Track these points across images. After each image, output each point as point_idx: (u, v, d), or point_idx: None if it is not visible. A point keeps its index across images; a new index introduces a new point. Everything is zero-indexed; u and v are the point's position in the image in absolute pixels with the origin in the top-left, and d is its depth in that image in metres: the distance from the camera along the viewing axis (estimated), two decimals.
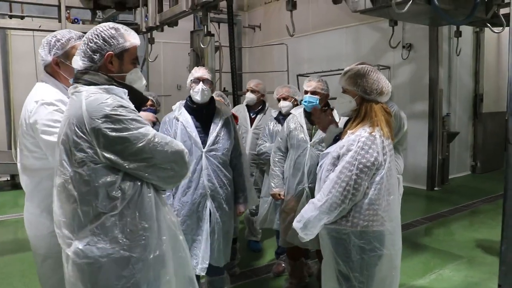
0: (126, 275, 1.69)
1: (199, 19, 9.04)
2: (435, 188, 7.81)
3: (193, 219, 3.01)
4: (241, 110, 4.65)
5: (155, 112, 4.03)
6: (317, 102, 3.37)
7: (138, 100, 1.88)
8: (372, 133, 2.25)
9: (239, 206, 3.19)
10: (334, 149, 2.33)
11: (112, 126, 1.63)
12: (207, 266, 2.98)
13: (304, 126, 3.44)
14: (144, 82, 1.95)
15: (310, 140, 3.39)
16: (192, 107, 3.08)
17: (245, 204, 3.23)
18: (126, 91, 1.78)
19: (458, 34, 6.13)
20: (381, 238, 2.27)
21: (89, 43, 1.79)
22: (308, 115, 3.45)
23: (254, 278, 4.11)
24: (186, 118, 3.06)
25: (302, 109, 3.52)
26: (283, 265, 4.06)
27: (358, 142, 2.23)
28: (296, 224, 2.37)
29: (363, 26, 8.69)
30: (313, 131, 3.42)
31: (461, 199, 6.99)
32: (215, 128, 3.04)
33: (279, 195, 3.54)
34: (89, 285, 1.67)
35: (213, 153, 3.01)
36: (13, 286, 3.90)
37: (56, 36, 2.28)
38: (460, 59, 8.39)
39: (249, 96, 4.51)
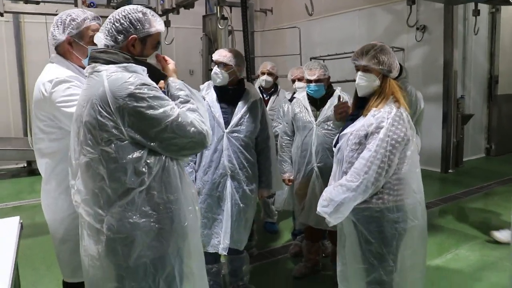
0: (156, 245, 1.75)
1: (211, 4, 9.04)
2: (450, 171, 7.80)
3: (213, 199, 3.07)
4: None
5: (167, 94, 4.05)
6: (323, 88, 3.42)
7: (157, 76, 1.89)
8: (398, 109, 2.27)
9: (261, 190, 3.21)
10: (358, 128, 2.31)
11: (137, 104, 1.65)
12: (228, 245, 3.04)
13: (309, 108, 3.50)
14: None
15: (316, 120, 3.44)
16: (218, 88, 3.12)
17: (269, 189, 3.23)
18: (145, 68, 1.79)
19: (476, 13, 6.02)
20: (413, 210, 2.31)
21: (115, 23, 1.80)
22: (312, 98, 3.51)
23: (271, 258, 4.17)
24: (212, 98, 3.11)
25: (305, 92, 3.57)
26: (300, 246, 4.11)
27: (388, 119, 2.23)
28: (323, 209, 2.31)
29: (376, 8, 8.61)
30: (317, 112, 3.46)
31: (475, 181, 6.98)
32: (240, 110, 3.06)
33: (289, 180, 3.61)
34: (123, 257, 1.73)
35: (236, 134, 3.04)
36: (36, 267, 4.01)
37: (71, 15, 2.25)
38: (476, 40, 8.30)
39: (267, 79, 4.59)
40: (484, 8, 8.35)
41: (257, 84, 4.80)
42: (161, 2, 6.00)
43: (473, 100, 8.58)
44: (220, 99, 3.10)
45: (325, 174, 3.26)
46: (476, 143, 8.87)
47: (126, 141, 1.69)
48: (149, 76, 1.79)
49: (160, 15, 6.23)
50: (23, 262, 3.98)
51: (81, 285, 2.10)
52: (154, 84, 1.75)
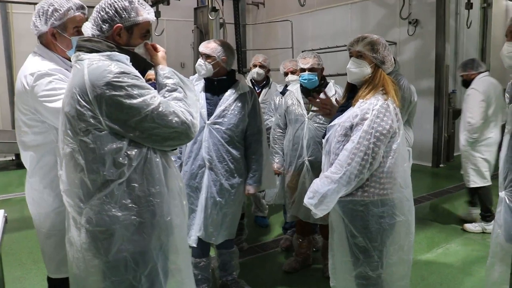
0: (136, 239, 1.71)
1: None
2: (441, 165, 7.82)
3: (192, 189, 3.03)
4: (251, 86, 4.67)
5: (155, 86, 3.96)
6: (316, 78, 3.38)
7: (142, 65, 1.83)
8: (385, 101, 2.24)
9: (248, 187, 3.10)
10: (344, 120, 2.28)
11: (115, 93, 1.59)
12: (196, 238, 3.01)
13: (301, 101, 3.45)
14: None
15: (308, 114, 3.40)
16: (206, 79, 3.08)
17: (256, 185, 3.10)
18: (128, 57, 1.74)
19: (469, 6, 6.01)
20: (399, 205, 2.27)
21: (101, 12, 1.75)
22: (305, 90, 3.46)
23: (262, 252, 4.15)
24: (198, 89, 3.06)
25: (299, 85, 3.53)
26: (291, 240, 4.08)
27: (373, 110, 2.20)
28: (309, 201, 2.29)
29: (369, 2, 8.59)
30: (310, 105, 3.40)
31: None
32: (225, 102, 2.99)
33: (278, 172, 3.57)
34: (102, 250, 1.69)
35: (217, 126, 2.97)
36: (22, 262, 3.95)
37: (53, 5, 2.14)
38: (467, 35, 8.30)
39: (258, 71, 4.55)
40: (475, 3, 8.35)
41: (249, 76, 4.76)
42: None
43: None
44: (206, 90, 3.06)
45: (315, 168, 3.23)
46: None
47: (105, 131, 1.64)
48: (134, 65, 1.74)
49: (150, 6, 6.14)
50: (10, 256, 3.95)
51: (65, 281, 2.05)
52: (135, 72, 1.69)
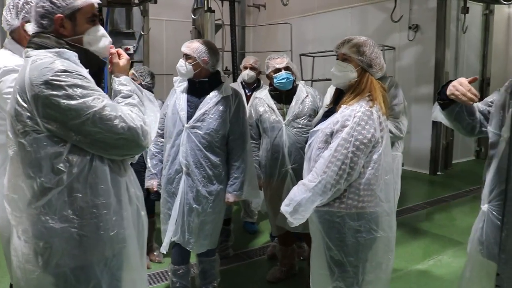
0: (77, 254, 1.57)
1: None
2: (438, 173, 7.67)
3: (169, 194, 2.93)
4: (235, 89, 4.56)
5: (148, 88, 3.82)
6: (292, 78, 3.26)
7: (95, 63, 1.71)
8: (370, 108, 2.11)
9: (227, 195, 2.94)
10: (326, 126, 2.16)
11: (52, 92, 1.46)
12: (167, 244, 2.92)
13: (274, 106, 3.31)
14: (108, 41, 1.76)
15: (284, 120, 3.26)
16: (188, 81, 2.96)
17: (236, 194, 2.94)
18: (77, 54, 1.61)
19: (465, 10, 5.93)
20: (378, 220, 2.14)
21: (37, 8, 1.62)
22: (275, 95, 3.33)
23: (247, 260, 4.03)
24: (180, 91, 2.95)
25: (267, 90, 3.40)
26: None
27: (354, 117, 2.08)
28: (285, 208, 2.18)
29: (369, 6, 8.48)
30: (284, 109, 3.28)
31: (464, 184, 6.84)
32: (205, 105, 2.86)
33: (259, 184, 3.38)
34: (41, 263, 1.56)
35: (195, 130, 2.83)
36: None
37: None
38: (468, 41, 8.19)
39: (249, 74, 4.43)
40: (477, 10, 8.25)
41: (239, 79, 4.65)
42: None
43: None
44: (189, 92, 2.94)
45: (300, 176, 3.08)
46: (466, 146, 8.75)
47: (43, 134, 1.51)
48: (85, 63, 1.62)
49: (137, 4, 6.05)
50: None
51: None
52: (81, 71, 1.56)
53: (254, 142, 3.44)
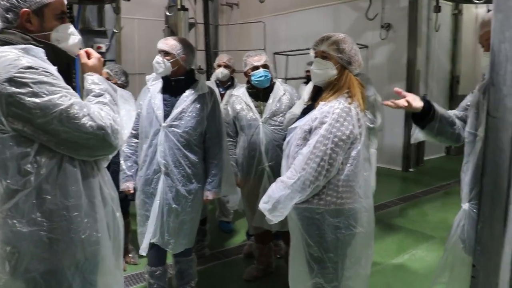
0: (47, 257, 1.51)
1: None
2: (410, 169, 7.82)
3: (147, 195, 2.86)
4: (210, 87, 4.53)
5: (123, 87, 3.74)
6: (270, 76, 3.26)
7: (64, 60, 1.64)
8: (348, 105, 2.10)
9: (206, 192, 2.92)
10: (304, 122, 2.14)
11: (16, 90, 1.39)
12: (148, 246, 2.85)
13: (251, 104, 3.29)
14: (77, 39, 1.70)
15: (261, 117, 3.25)
16: (164, 79, 2.90)
17: (215, 191, 2.93)
18: (44, 50, 1.54)
19: (437, 9, 6.06)
20: (357, 216, 2.14)
21: (2, 1, 1.55)
22: (252, 93, 3.32)
23: (224, 259, 4.00)
24: (155, 89, 2.89)
25: (244, 88, 3.39)
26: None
27: (333, 114, 2.06)
28: (264, 206, 2.14)
29: (341, 5, 8.56)
30: (262, 107, 3.28)
31: (435, 180, 7.00)
32: (182, 103, 2.81)
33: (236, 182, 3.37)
34: (9, 268, 1.50)
35: (173, 129, 2.79)
36: None
37: None
38: (439, 40, 8.35)
39: (224, 72, 4.41)
40: (447, 9, 8.42)
41: (213, 77, 4.62)
42: None
43: (435, 99, 8.54)
44: (164, 90, 2.88)
45: (277, 173, 3.06)
46: (437, 143, 8.91)
47: (9, 134, 1.44)
48: (54, 59, 1.56)
49: (110, 2, 5.93)
50: None
51: None
52: (47, 68, 1.49)
53: (231, 140, 3.41)
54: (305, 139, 2.12)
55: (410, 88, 7.62)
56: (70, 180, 1.53)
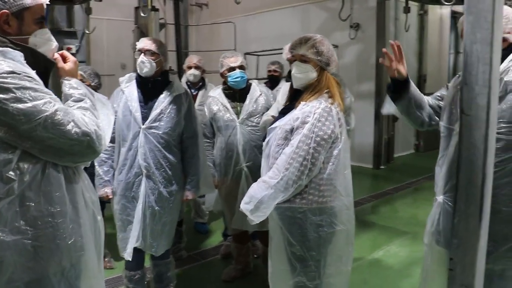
0: (32, 266, 1.47)
1: None
2: (381, 167, 7.97)
3: (128, 199, 2.84)
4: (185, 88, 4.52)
5: (96, 89, 3.70)
6: (246, 77, 3.29)
7: (42, 64, 1.59)
8: (329, 105, 2.14)
9: (186, 192, 2.96)
10: (285, 122, 2.16)
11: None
12: (131, 251, 2.83)
13: (228, 105, 3.31)
14: (54, 45, 1.66)
15: (238, 118, 3.27)
16: (138, 80, 2.88)
17: (195, 191, 2.97)
18: (23, 54, 1.50)
19: (407, 10, 6.22)
20: (338, 214, 2.18)
21: None
22: (229, 94, 3.34)
23: (201, 261, 3.99)
24: (131, 91, 2.86)
25: (220, 89, 3.40)
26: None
27: (314, 113, 2.09)
28: (245, 206, 2.13)
29: (311, 5, 8.65)
30: (238, 108, 3.30)
31: (405, 177, 7.16)
32: (160, 104, 2.81)
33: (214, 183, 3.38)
34: None
35: (153, 130, 2.78)
36: None
37: None
38: (406, 40, 8.52)
39: (194, 73, 4.40)
40: (413, 10, 8.61)
41: (184, 78, 4.60)
42: None
43: None
44: (140, 92, 2.86)
45: (254, 173, 3.09)
46: (406, 140, 9.13)
47: None
48: (31, 63, 1.51)
49: (80, 2, 5.83)
50: None
51: None
52: (29, 73, 1.45)
53: (208, 141, 3.41)
54: (286, 138, 2.14)
55: (379, 87, 7.77)
56: (54, 186, 1.50)
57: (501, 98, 1.86)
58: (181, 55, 7.39)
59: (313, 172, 2.09)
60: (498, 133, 1.78)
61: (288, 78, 2.81)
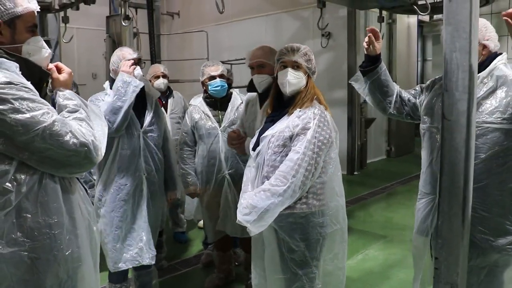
0: (29, 278, 1.45)
1: (115, 4, 8.61)
2: (355, 172, 8.10)
3: (130, 205, 2.83)
4: None
5: None
6: (226, 86, 3.33)
7: (37, 75, 1.60)
8: (324, 111, 2.23)
9: (170, 193, 3.07)
10: (281, 129, 2.19)
11: None
12: (155, 253, 2.91)
13: (210, 113, 3.35)
14: (48, 52, 1.66)
15: (220, 126, 3.31)
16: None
17: (176, 191, 3.12)
18: (18, 65, 1.50)
19: (381, 19, 6.38)
20: (336, 214, 2.26)
21: None
22: (210, 102, 3.38)
23: (182, 270, 3.97)
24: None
25: (201, 98, 3.44)
26: (212, 255, 3.95)
27: (314, 119, 2.16)
28: (245, 218, 2.09)
29: (283, 14, 8.75)
30: (220, 116, 3.35)
31: (379, 182, 7.30)
32: (150, 109, 2.93)
33: (195, 193, 3.42)
34: None
35: (150, 134, 2.89)
36: None
37: None
38: None
39: (164, 82, 4.40)
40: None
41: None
42: None
43: None
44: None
45: (236, 181, 3.14)
46: (378, 146, 9.31)
47: None
48: (26, 73, 1.51)
49: (57, 10, 5.75)
50: None
51: None
52: (26, 83, 1.45)
53: (190, 149, 3.43)
54: (285, 145, 2.17)
55: (351, 94, 7.93)
56: (51, 197, 1.49)
57: (493, 92, 2.08)
58: (155, 63, 7.36)
59: (314, 177, 2.14)
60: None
61: (250, 88, 2.81)
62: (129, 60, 2.76)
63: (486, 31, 2.12)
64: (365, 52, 2.43)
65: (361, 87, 2.54)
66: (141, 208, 2.84)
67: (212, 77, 3.27)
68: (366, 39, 2.38)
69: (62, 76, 1.69)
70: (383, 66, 2.44)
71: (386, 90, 2.45)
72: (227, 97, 3.37)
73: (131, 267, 2.86)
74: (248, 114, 2.90)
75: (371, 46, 2.38)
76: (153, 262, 2.90)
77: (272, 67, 2.53)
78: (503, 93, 2.05)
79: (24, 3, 1.56)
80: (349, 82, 2.69)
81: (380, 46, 2.41)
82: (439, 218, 1.76)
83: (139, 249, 2.82)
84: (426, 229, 2.28)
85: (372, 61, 2.42)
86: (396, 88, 2.49)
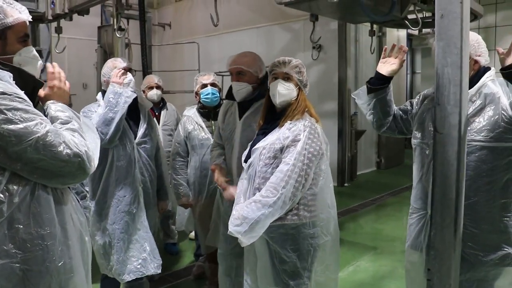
0: None
1: (107, 15, 8.64)
2: (345, 184, 8.14)
3: (130, 216, 2.82)
4: None
5: None
6: (219, 94, 3.36)
7: (30, 84, 1.58)
8: (314, 123, 2.25)
9: (161, 203, 3.07)
10: (272, 141, 2.22)
11: None
12: (160, 262, 2.93)
13: (203, 124, 3.38)
14: (40, 63, 1.66)
15: (213, 137, 3.31)
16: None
17: (167, 201, 3.13)
18: (11, 74, 1.48)
19: (372, 33, 6.46)
20: (328, 225, 2.27)
21: None
22: (204, 113, 3.40)
23: (173, 282, 3.94)
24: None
25: (195, 109, 3.46)
26: (203, 267, 3.94)
27: (305, 131, 2.18)
28: (236, 229, 2.11)
29: (274, 27, 8.83)
30: (213, 127, 3.36)
31: (369, 193, 7.34)
32: (144, 120, 2.93)
33: (188, 204, 3.45)
34: None
35: (144, 145, 2.89)
36: None
37: None
38: (365, 61, 8.83)
39: (158, 93, 4.39)
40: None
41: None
42: (52, 6, 5.55)
43: (365, 116, 9.02)
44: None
45: None
46: (368, 157, 9.38)
47: None
48: (19, 83, 1.50)
49: (51, 21, 5.75)
50: None
51: None
52: (19, 93, 1.44)
53: (182, 159, 3.45)
54: (276, 157, 2.19)
55: (342, 106, 8.00)
56: (43, 208, 1.48)
57: (481, 110, 2.09)
58: (147, 74, 7.38)
59: (305, 188, 2.16)
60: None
61: (228, 96, 2.76)
62: (118, 69, 2.75)
63: (478, 46, 2.15)
64: (377, 70, 2.42)
65: (364, 102, 2.51)
66: (141, 218, 2.84)
67: (204, 85, 3.31)
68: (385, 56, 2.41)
69: (55, 92, 1.66)
70: (391, 86, 2.43)
71: (388, 110, 2.45)
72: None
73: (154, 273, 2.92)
74: (226, 124, 2.81)
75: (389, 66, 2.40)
76: (159, 271, 2.91)
77: (254, 76, 2.58)
78: (491, 111, 2.07)
79: (15, 14, 1.55)
80: (352, 95, 2.69)
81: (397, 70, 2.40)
82: (432, 229, 1.79)
83: (143, 260, 2.82)
84: (420, 245, 2.29)
85: (381, 79, 2.39)
86: (395, 108, 2.51)
